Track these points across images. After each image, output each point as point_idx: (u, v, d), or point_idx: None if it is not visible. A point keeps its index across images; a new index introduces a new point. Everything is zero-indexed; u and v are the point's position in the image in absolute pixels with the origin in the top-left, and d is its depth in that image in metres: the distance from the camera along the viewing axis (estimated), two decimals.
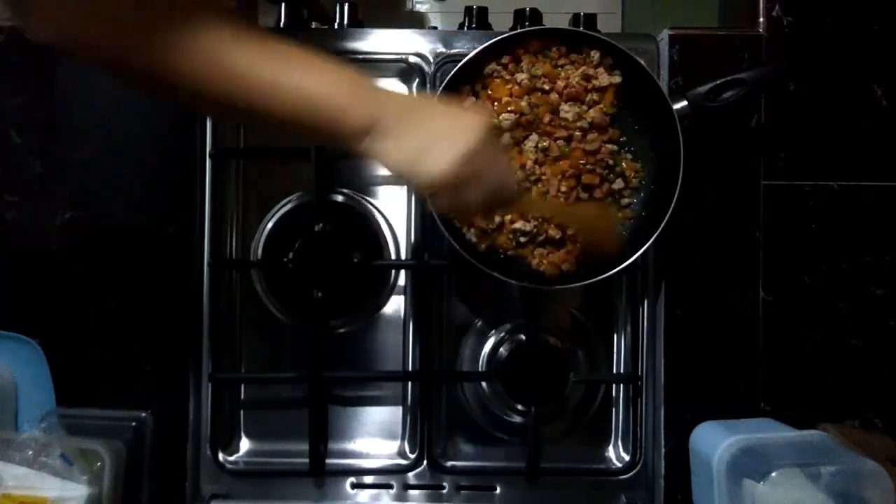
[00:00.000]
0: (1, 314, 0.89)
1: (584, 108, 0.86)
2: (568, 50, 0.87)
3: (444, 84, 0.84)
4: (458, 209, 0.80)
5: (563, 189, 0.86)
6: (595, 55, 0.86)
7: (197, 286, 0.92)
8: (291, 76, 0.63)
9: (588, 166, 0.86)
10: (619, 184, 0.87)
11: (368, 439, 0.94)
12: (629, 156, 0.88)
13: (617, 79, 0.86)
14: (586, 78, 0.86)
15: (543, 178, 0.86)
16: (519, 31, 0.87)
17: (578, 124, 0.86)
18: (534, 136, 0.86)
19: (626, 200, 0.88)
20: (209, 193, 0.92)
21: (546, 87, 0.86)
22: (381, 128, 0.64)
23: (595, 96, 0.86)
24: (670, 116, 0.84)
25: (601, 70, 0.86)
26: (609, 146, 0.87)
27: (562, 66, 0.87)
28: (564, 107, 0.86)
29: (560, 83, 0.86)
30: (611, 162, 0.87)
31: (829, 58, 0.93)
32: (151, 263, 0.91)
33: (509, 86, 0.86)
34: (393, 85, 0.95)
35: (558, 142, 0.86)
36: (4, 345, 0.89)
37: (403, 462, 0.93)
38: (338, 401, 0.94)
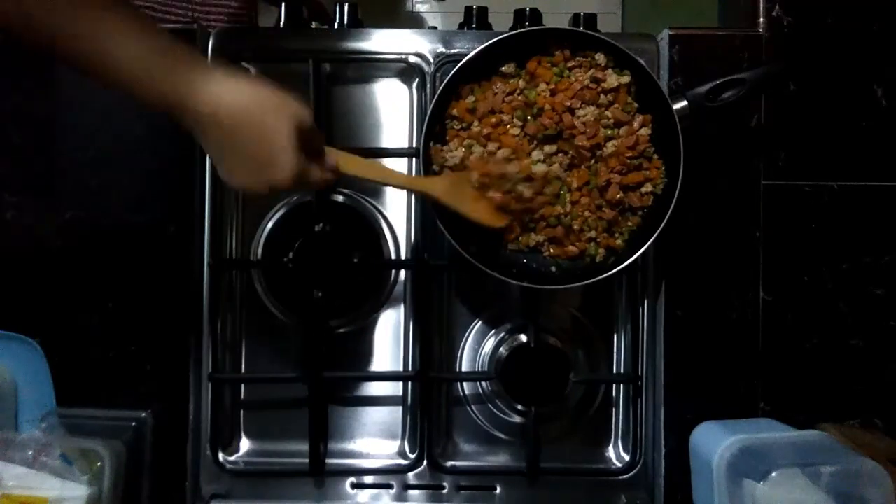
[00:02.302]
0: (1, 314, 0.89)
1: (602, 109, 0.85)
2: (572, 52, 0.86)
3: (444, 84, 0.84)
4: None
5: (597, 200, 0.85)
6: (601, 58, 0.85)
7: (197, 286, 0.92)
8: (125, 51, 0.64)
9: (634, 161, 0.85)
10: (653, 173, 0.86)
11: (368, 439, 0.94)
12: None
13: (626, 78, 0.85)
14: (595, 81, 0.85)
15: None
16: (519, 30, 0.87)
17: (601, 127, 0.85)
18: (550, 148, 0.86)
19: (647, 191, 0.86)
20: (209, 193, 0.92)
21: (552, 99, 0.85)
22: (196, 130, 0.67)
23: (609, 97, 0.85)
24: (670, 116, 0.84)
25: (609, 72, 0.85)
26: (644, 132, 0.85)
27: (570, 70, 0.86)
28: (580, 112, 0.85)
29: (568, 87, 0.85)
30: (651, 149, 0.85)
31: (829, 58, 0.93)
32: (151, 263, 0.91)
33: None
34: (393, 85, 0.95)
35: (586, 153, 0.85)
36: (4, 345, 0.89)
37: (403, 462, 0.93)
38: (338, 401, 0.94)
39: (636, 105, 0.86)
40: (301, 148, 0.68)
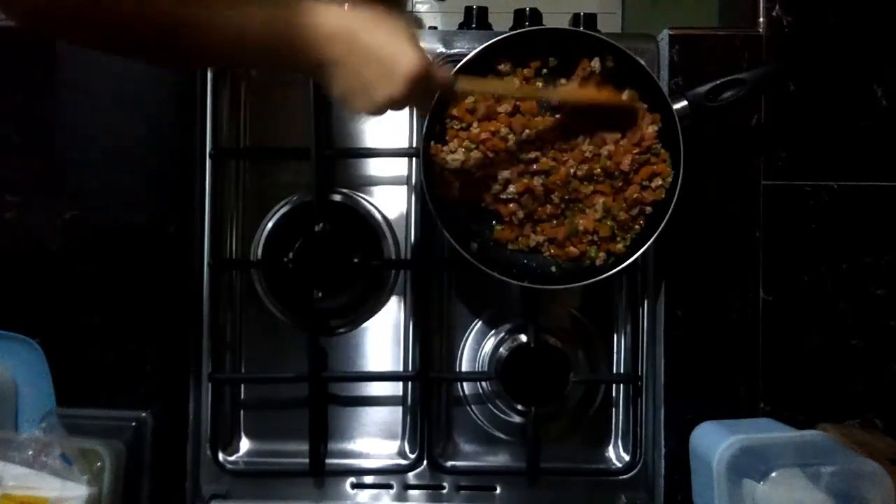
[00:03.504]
0: (1, 314, 0.89)
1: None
2: (559, 65, 0.86)
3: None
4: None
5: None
6: (595, 64, 0.86)
7: (197, 286, 0.92)
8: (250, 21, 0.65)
9: (641, 157, 0.85)
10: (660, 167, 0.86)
11: (368, 439, 0.94)
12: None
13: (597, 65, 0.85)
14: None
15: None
16: (519, 30, 0.87)
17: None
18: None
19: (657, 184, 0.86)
20: (209, 193, 0.92)
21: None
22: (322, 60, 0.68)
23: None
24: (670, 116, 0.83)
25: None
26: (651, 130, 0.85)
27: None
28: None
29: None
30: (657, 145, 0.85)
31: (829, 58, 0.93)
32: (151, 263, 0.91)
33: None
34: None
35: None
36: (4, 345, 0.89)
37: (403, 462, 0.93)
38: (338, 401, 0.94)
39: (645, 105, 0.86)
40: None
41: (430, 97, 0.78)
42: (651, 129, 0.85)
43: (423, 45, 0.70)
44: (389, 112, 0.72)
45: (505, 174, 0.84)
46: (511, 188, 0.85)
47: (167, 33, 0.64)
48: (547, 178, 0.84)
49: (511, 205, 0.85)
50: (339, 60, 0.68)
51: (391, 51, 0.68)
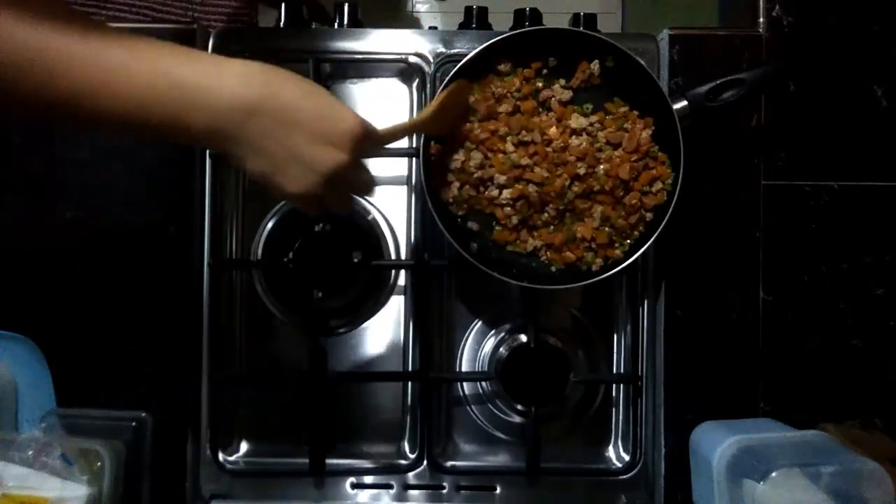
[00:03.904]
0: (1, 314, 0.89)
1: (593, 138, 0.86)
2: (559, 66, 0.86)
3: (444, 84, 0.84)
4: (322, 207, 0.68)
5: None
6: (595, 66, 0.86)
7: (197, 286, 0.92)
8: (136, 68, 0.54)
9: (640, 163, 0.85)
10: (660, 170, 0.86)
11: (368, 439, 0.94)
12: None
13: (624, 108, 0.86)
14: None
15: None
16: (519, 30, 0.87)
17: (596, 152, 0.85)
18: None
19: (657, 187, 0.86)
20: (209, 193, 0.92)
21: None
22: (228, 131, 0.56)
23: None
24: (670, 116, 0.84)
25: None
26: (646, 134, 0.85)
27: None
28: (574, 142, 0.85)
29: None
30: (655, 148, 0.85)
31: (829, 58, 0.93)
32: (151, 263, 0.91)
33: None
34: (393, 85, 0.95)
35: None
36: (4, 345, 0.88)
37: (403, 462, 0.93)
38: (338, 401, 0.94)
39: (635, 113, 0.86)
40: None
41: (368, 176, 0.65)
42: (646, 134, 0.85)
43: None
44: (378, 119, 0.60)
45: (500, 179, 0.84)
46: (506, 193, 0.84)
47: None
48: (541, 188, 0.84)
49: (506, 208, 0.85)
50: (259, 129, 0.55)
51: (325, 108, 0.57)
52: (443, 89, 0.81)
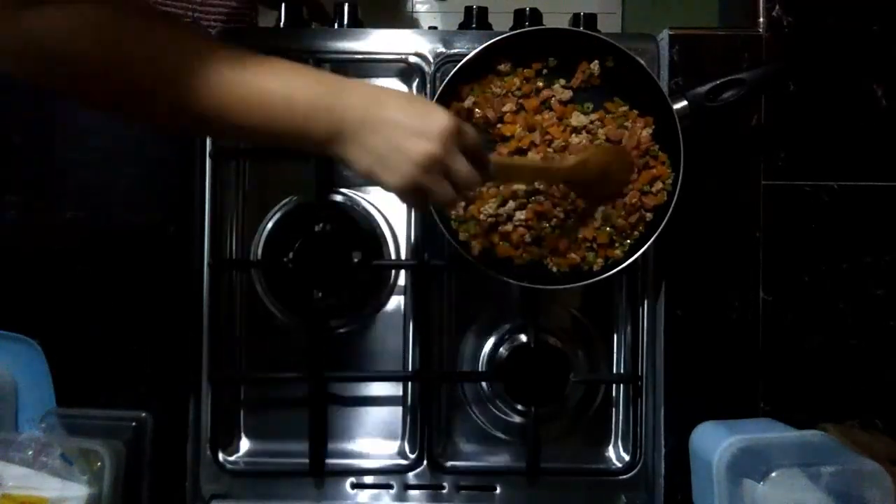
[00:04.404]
0: (1, 314, 0.89)
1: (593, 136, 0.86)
2: (559, 66, 0.87)
3: (444, 84, 0.84)
4: (433, 204, 0.77)
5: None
6: (595, 67, 0.86)
7: (197, 286, 0.92)
8: (270, 87, 0.64)
9: (640, 161, 0.85)
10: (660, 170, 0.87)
11: (368, 439, 0.94)
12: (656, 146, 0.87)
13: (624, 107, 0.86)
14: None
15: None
16: (519, 30, 0.87)
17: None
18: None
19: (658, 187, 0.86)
20: (209, 193, 0.92)
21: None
22: (344, 135, 0.65)
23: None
24: (670, 116, 0.84)
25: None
26: (646, 133, 0.86)
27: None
28: (574, 139, 0.86)
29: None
30: (655, 147, 0.86)
31: (829, 58, 0.93)
32: (151, 263, 0.91)
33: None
34: (393, 85, 0.95)
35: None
36: (4, 345, 0.89)
37: (403, 462, 0.93)
38: (338, 401, 0.94)
39: (635, 112, 0.86)
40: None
41: (464, 171, 0.69)
42: (646, 133, 0.85)
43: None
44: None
45: (520, 215, 0.84)
46: (520, 214, 0.84)
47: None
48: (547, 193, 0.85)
49: (520, 229, 0.85)
50: (364, 131, 0.65)
51: (420, 109, 0.66)
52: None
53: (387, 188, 0.67)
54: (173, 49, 0.61)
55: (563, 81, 0.87)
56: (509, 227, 0.85)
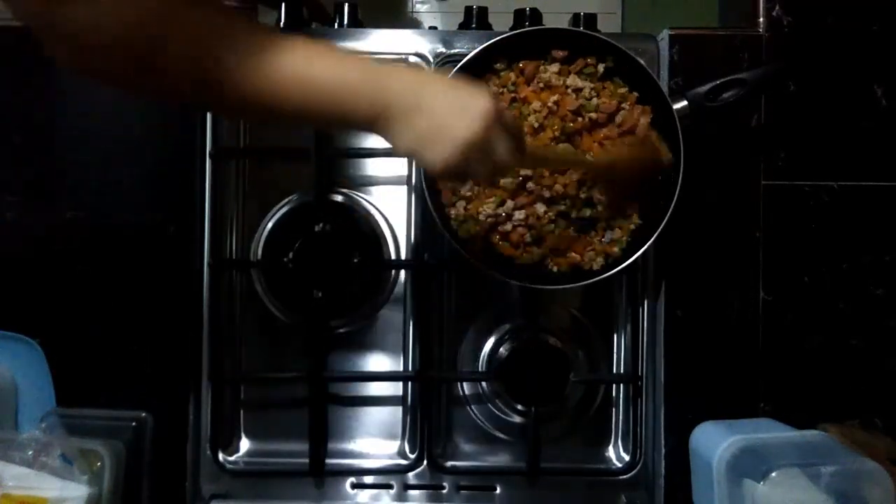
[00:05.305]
0: (1, 314, 0.89)
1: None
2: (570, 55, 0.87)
3: None
4: (469, 179, 0.83)
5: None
6: (600, 67, 0.86)
7: (197, 286, 0.92)
8: (317, 69, 0.64)
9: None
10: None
11: (368, 439, 0.94)
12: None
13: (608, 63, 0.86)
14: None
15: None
16: (519, 30, 0.87)
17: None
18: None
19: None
20: (209, 193, 0.92)
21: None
22: (388, 114, 0.65)
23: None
24: (670, 116, 0.84)
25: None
26: (644, 121, 0.86)
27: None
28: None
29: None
30: (653, 134, 0.86)
31: (829, 58, 0.93)
32: (151, 263, 0.91)
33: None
34: None
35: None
36: (4, 345, 0.89)
37: (403, 462, 0.93)
38: (338, 401, 0.94)
39: (635, 95, 0.86)
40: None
41: (504, 147, 0.70)
42: (644, 121, 0.85)
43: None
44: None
45: (519, 214, 0.85)
46: (518, 214, 0.85)
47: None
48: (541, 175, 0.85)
49: (519, 229, 0.85)
50: (409, 111, 0.65)
51: (463, 91, 0.68)
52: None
53: (429, 166, 0.68)
54: (216, 30, 0.61)
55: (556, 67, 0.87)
56: (508, 226, 0.85)
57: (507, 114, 0.70)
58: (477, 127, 0.65)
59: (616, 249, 0.86)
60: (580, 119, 0.85)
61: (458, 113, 0.66)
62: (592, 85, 0.86)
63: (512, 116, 0.72)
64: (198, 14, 0.60)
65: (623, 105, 0.86)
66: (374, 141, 0.94)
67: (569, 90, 0.85)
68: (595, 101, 0.85)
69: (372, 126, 0.66)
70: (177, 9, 0.59)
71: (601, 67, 0.86)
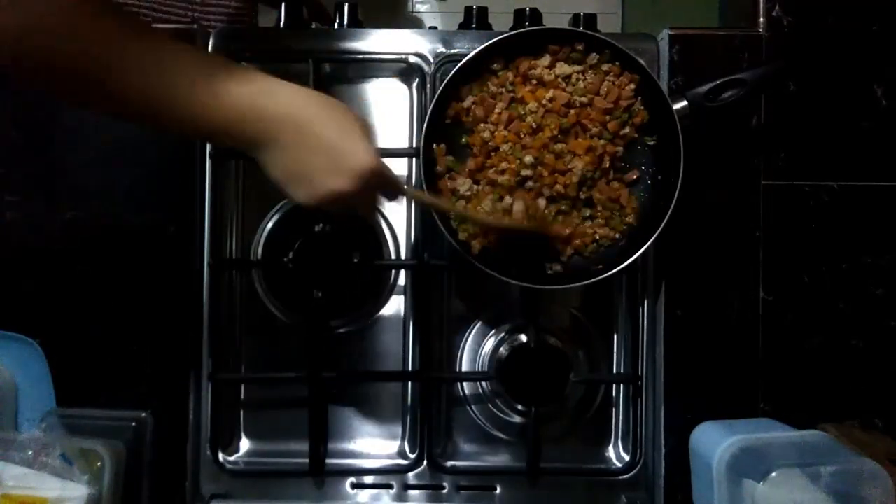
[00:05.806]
0: (1, 314, 0.89)
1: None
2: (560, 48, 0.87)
3: (444, 84, 0.84)
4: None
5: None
6: (595, 57, 0.86)
7: (197, 286, 0.92)
8: (201, 89, 0.63)
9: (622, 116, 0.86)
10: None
11: (368, 439, 0.94)
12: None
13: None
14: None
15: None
16: (519, 30, 0.87)
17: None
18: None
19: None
20: (209, 193, 0.92)
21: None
22: (267, 143, 0.65)
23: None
24: (670, 116, 0.84)
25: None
26: (629, 89, 0.86)
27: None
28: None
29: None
30: (637, 105, 0.86)
31: (829, 58, 0.93)
32: (151, 263, 0.91)
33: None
34: (393, 85, 0.95)
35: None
36: (4, 345, 0.89)
37: (403, 462, 0.93)
38: (338, 401, 0.94)
39: (618, 66, 0.86)
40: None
41: (374, 200, 0.74)
42: (629, 89, 0.85)
43: (374, 145, 0.69)
44: (378, 120, 0.69)
45: (518, 206, 0.84)
46: (518, 206, 0.85)
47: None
48: (540, 163, 0.85)
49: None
50: (286, 144, 0.65)
51: (343, 144, 0.66)
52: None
53: (296, 201, 0.69)
54: (115, 39, 0.61)
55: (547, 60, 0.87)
56: (506, 220, 0.85)
57: (386, 169, 0.70)
58: (345, 185, 0.66)
59: (611, 232, 0.87)
60: (572, 111, 0.85)
61: (333, 166, 0.65)
62: (580, 68, 0.86)
63: (390, 171, 0.72)
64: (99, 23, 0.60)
65: (608, 77, 0.86)
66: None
67: (559, 80, 0.85)
68: (581, 83, 0.85)
69: (248, 149, 0.67)
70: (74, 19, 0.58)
71: (594, 57, 0.86)
